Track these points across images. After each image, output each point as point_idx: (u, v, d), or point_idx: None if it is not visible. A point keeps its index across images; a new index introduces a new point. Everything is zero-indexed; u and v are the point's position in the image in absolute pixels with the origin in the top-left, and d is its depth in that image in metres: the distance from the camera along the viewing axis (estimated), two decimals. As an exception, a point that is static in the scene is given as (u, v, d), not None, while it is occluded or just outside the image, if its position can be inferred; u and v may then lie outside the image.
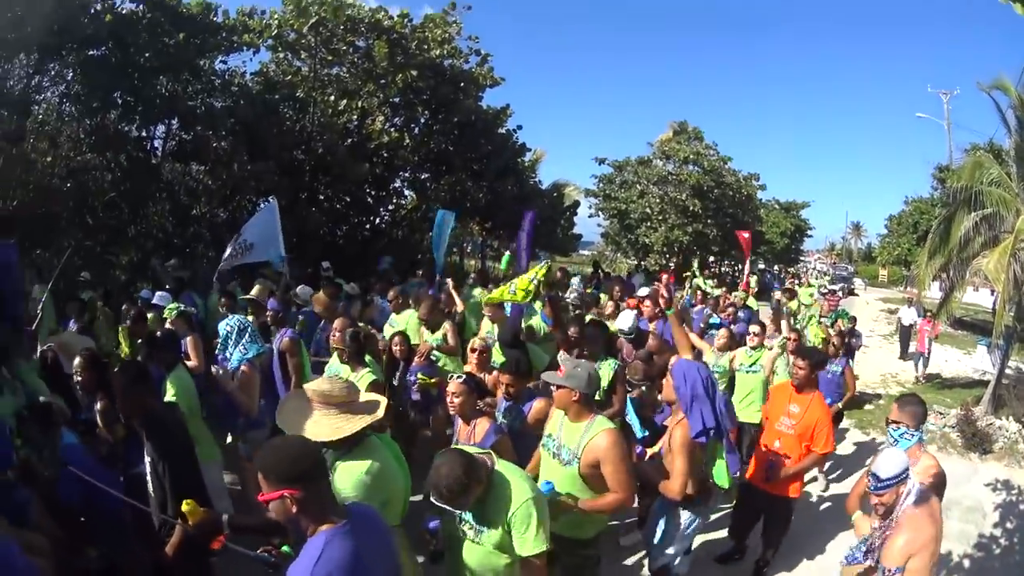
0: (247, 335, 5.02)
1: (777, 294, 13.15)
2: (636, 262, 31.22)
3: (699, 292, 10.69)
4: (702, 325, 8.69)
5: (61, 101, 12.49)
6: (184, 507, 2.45)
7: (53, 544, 2.83)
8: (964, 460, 7.84)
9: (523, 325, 6.21)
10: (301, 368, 5.47)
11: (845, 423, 8.68)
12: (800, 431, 4.76)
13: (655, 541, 4.06)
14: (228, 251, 8.33)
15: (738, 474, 4.31)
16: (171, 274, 9.24)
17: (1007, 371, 10.32)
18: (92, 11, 11.31)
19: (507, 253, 11.82)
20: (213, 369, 5.08)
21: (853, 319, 10.19)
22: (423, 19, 16.13)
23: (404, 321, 6.67)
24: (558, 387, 3.32)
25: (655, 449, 4.34)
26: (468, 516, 2.72)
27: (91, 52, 11.68)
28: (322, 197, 15.68)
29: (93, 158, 12.71)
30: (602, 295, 9.81)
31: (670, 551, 4.05)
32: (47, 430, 3.37)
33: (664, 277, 14.91)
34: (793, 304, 11.16)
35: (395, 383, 5.94)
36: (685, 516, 3.95)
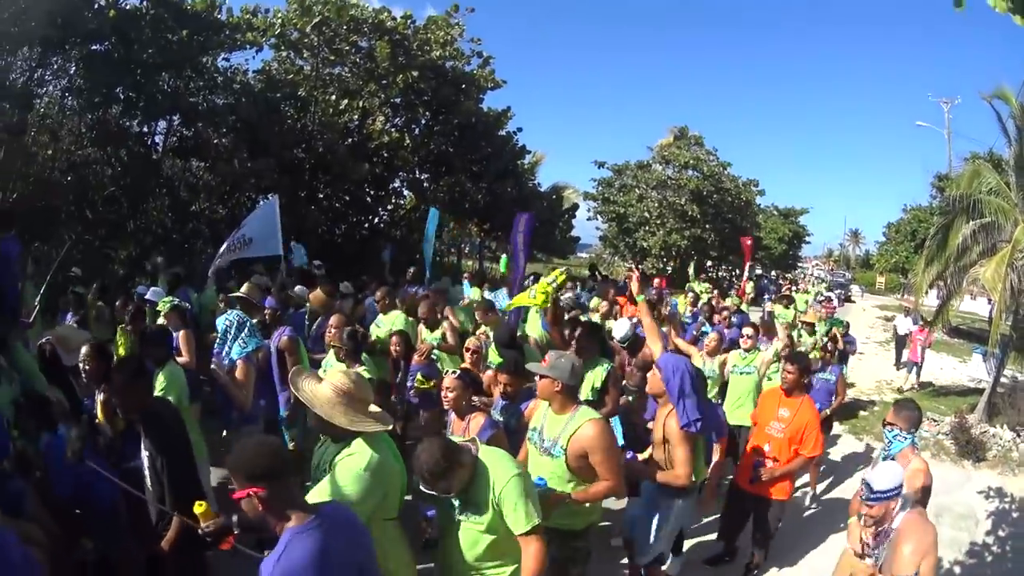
0: (246, 329, 5.03)
1: (769, 305, 13.17)
2: (631, 265, 31.28)
3: (691, 295, 10.69)
4: (695, 332, 8.69)
5: (63, 95, 12.54)
6: (196, 508, 2.45)
7: (49, 536, 2.85)
8: (957, 467, 7.84)
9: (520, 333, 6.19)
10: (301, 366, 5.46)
11: (838, 429, 8.68)
12: (790, 434, 4.78)
13: (651, 536, 4.06)
14: (225, 245, 8.34)
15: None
16: (168, 270, 9.23)
17: (1002, 379, 10.33)
18: (96, 6, 11.36)
19: (503, 256, 11.86)
20: (212, 363, 5.08)
21: (847, 325, 10.22)
22: (426, 21, 16.23)
23: (390, 321, 6.63)
24: (541, 377, 3.36)
25: (646, 454, 4.36)
26: (457, 501, 2.76)
27: (94, 47, 11.74)
28: (321, 196, 15.76)
29: (94, 152, 12.78)
30: (595, 298, 9.80)
31: (663, 543, 4.09)
32: (40, 423, 3.39)
33: (656, 281, 14.99)
34: (789, 313, 11.18)
35: (396, 382, 5.96)
36: (678, 505, 3.97)
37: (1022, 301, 8.82)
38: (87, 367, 4.02)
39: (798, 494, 6.72)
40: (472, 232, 23.70)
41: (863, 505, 3.14)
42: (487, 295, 8.57)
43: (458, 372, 3.82)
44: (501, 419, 4.05)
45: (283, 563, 1.94)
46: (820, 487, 7.09)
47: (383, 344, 6.22)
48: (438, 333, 6.23)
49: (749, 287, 16.22)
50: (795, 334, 8.37)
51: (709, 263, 35.03)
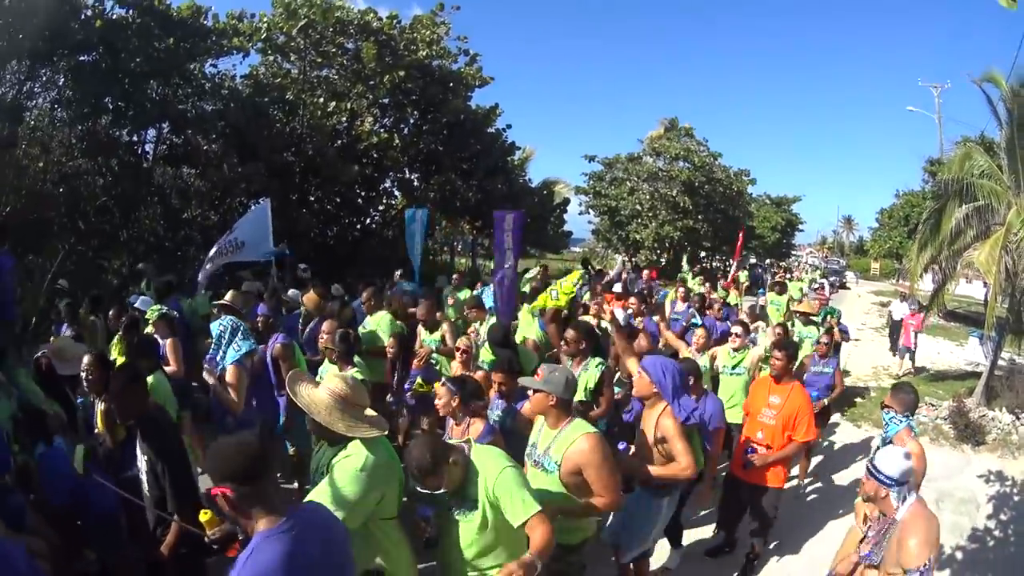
0: (240, 334, 5.02)
1: (762, 299, 13.14)
2: (623, 258, 31.28)
3: (682, 287, 10.66)
4: (684, 324, 8.67)
5: (53, 107, 12.52)
6: (202, 517, 2.45)
7: (51, 547, 2.86)
8: (957, 452, 7.84)
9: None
10: (296, 373, 5.45)
11: (835, 417, 8.71)
12: (782, 421, 4.82)
13: (636, 539, 4.07)
14: (215, 249, 8.32)
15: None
16: (159, 278, 9.19)
17: (1000, 362, 10.34)
18: (83, 17, 11.36)
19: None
20: (204, 368, 5.06)
21: (839, 313, 10.23)
22: (412, 20, 16.19)
23: (376, 323, 6.61)
24: (535, 391, 3.31)
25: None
26: (452, 499, 2.78)
27: (82, 58, 11.73)
28: (312, 198, 15.68)
29: (85, 163, 12.76)
30: (587, 293, 9.78)
31: (649, 542, 4.12)
32: (37, 436, 3.40)
33: (645, 273, 14.99)
34: (782, 299, 11.19)
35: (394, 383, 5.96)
36: (662, 505, 3.99)
37: (1017, 283, 8.82)
38: (90, 376, 4.03)
39: (796, 482, 6.75)
40: (464, 230, 23.71)
41: (863, 477, 3.17)
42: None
43: (444, 380, 3.86)
44: (498, 419, 4.06)
45: (249, 566, 1.92)
46: (819, 475, 7.11)
47: (370, 345, 6.19)
48: (437, 335, 6.22)
49: (743, 276, 16.20)
50: (788, 324, 8.36)
51: (703, 254, 35.05)
